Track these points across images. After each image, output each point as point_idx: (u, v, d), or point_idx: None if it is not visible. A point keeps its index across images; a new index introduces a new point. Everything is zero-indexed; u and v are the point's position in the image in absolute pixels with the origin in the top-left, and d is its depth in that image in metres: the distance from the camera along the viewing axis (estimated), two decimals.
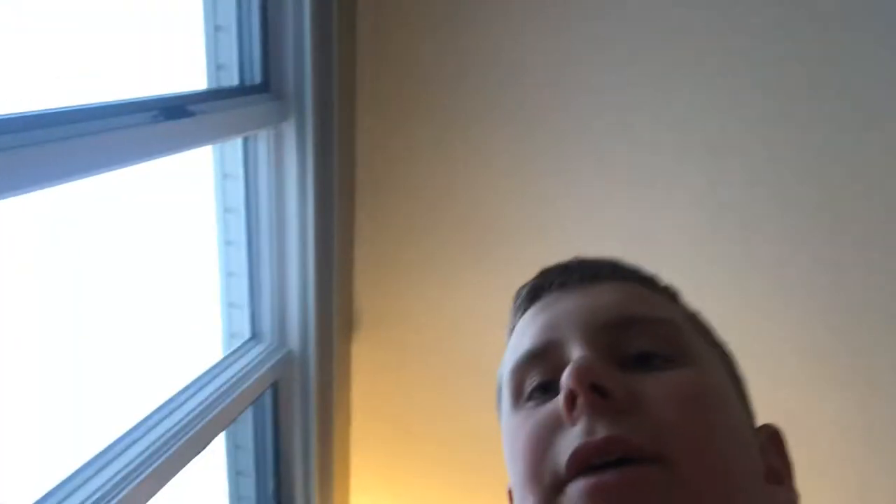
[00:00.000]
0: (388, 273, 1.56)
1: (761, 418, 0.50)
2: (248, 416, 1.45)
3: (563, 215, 1.43)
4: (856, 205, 1.28)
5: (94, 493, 0.90)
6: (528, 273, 1.58)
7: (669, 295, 0.52)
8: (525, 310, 0.52)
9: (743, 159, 1.31)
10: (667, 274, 0.53)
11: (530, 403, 0.46)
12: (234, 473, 1.52)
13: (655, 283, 0.53)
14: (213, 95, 1.17)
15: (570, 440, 0.41)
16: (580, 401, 0.41)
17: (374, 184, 1.50)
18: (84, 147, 0.84)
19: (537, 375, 0.46)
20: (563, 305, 0.49)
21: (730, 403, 0.45)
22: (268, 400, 1.45)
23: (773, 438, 0.49)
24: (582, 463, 0.40)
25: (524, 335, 0.49)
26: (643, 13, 1.29)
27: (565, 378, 0.42)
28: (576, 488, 0.39)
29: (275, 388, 1.44)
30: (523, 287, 0.54)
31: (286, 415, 1.48)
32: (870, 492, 1.39)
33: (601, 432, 0.40)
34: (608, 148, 1.37)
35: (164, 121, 0.98)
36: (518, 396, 0.47)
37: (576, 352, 0.44)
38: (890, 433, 1.35)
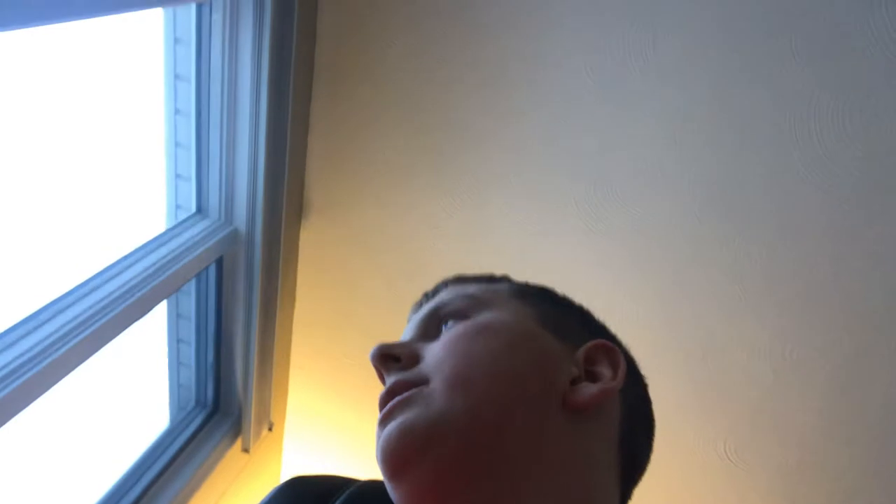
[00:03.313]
0: (341, 164, 1.55)
1: None
2: (192, 287, 1.47)
3: (523, 132, 1.42)
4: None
5: (32, 348, 0.92)
6: (480, 180, 1.59)
7: (491, 280, 0.63)
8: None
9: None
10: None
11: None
12: (176, 341, 1.55)
13: (480, 277, 0.64)
14: None
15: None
16: (381, 372, 0.55)
17: (334, 72, 1.46)
18: None
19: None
20: (409, 323, 0.62)
21: (503, 330, 0.54)
22: (212, 274, 1.47)
23: (599, 348, 0.54)
24: (381, 407, 0.51)
25: None
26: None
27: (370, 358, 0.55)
28: (378, 421, 0.51)
29: (219, 263, 1.45)
30: None
31: (229, 290, 1.50)
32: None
33: (388, 383, 0.53)
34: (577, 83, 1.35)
35: None
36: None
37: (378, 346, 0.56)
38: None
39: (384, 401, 0.51)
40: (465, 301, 0.57)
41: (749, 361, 1.48)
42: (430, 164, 1.50)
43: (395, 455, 0.47)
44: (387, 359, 0.54)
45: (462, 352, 0.51)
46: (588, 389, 0.50)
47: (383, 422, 0.50)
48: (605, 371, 0.53)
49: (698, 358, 1.51)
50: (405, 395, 0.50)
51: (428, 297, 0.64)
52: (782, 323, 1.43)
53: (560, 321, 0.56)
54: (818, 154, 1.29)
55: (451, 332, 0.54)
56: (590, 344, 0.54)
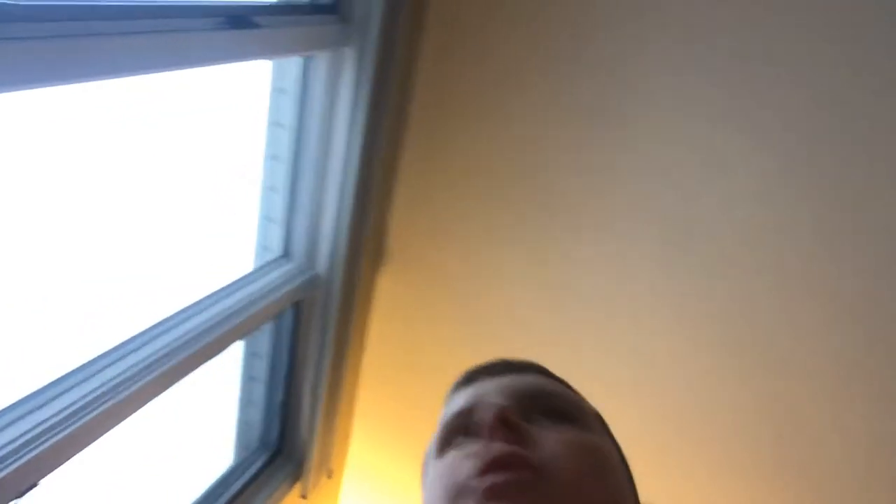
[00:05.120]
0: (425, 214, 1.55)
1: None
2: (269, 327, 1.49)
3: (608, 192, 1.39)
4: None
5: (111, 380, 0.94)
6: (561, 243, 1.57)
7: (574, 391, 0.63)
8: (456, 392, 0.63)
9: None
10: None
11: (453, 449, 0.55)
12: (248, 379, 1.57)
13: (563, 381, 0.63)
14: (280, 10, 1.15)
15: (483, 455, 0.50)
16: (493, 429, 0.51)
17: (427, 125, 1.48)
18: (145, 44, 0.83)
19: (462, 427, 0.56)
20: (491, 384, 0.60)
21: (614, 467, 0.54)
22: (289, 316, 1.48)
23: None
24: (483, 470, 0.48)
25: (455, 403, 0.60)
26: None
27: (485, 412, 0.53)
28: (478, 483, 0.48)
29: (297, 307, 1.46)
30: (456, 381, 0.65)
31: (305, 333, 1.51)
32: None
33: (500, 448, 0.50)
34: (669, 133, 1.32)
35: (228, 29, 0.97)
36: (445, 446, 0.56)
37: (495, 403, 0.54)
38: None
39: (497, 465, 0.48)
40: (571, 405, 0.58)
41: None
42: (518, 223, 1.48)
43: None
44: (508, 424, 0.51)
45: (584, 464, 0.51)
46: None
47: (494, 494, 0.47)
48: None
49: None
50: (526, 477, 0.48)
51: (511, 368, 0.62)
52: None
53: (626, 465, 0.59)
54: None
55: (570, 435, 0.53)
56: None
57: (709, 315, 1.40)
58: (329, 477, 1.78)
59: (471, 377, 0.63)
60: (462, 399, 0.59)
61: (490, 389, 0.58)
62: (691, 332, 1.42)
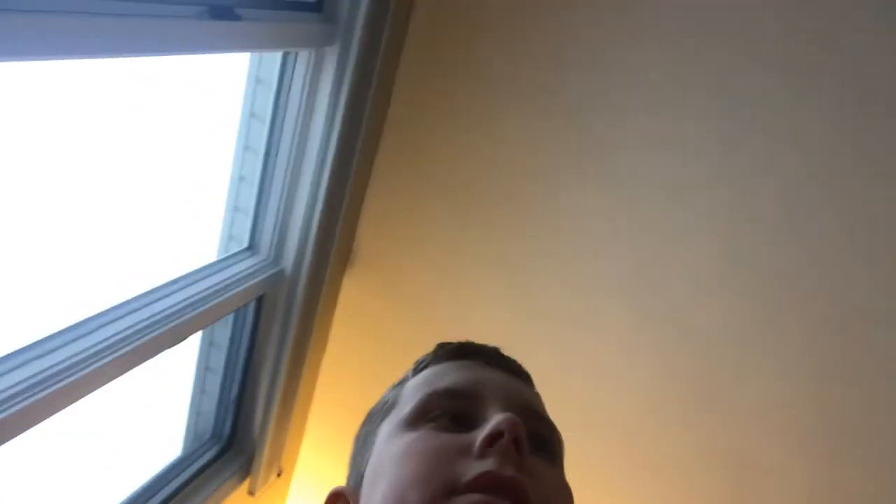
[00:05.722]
0: (396, 220, 1.56)
1: None
2: (229, 318, 1.48)
3: (573, 207, 1.42)
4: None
5: (65, 360, 0.93)
6: (533, 261, 1.57)
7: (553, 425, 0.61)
8: (448, 360, 0.59)
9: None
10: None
11: (433, 425, 0.52)
12: (204, 368, 1.56)
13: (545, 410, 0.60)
14: (264, 3, 1.15)
15: (478, 466, 0.47)
16: (503, 442, 0.48)
17: (403, 131, 1.49)
18: (125, 27, 0.83)
19: (451, 408, 0.53)
20: (489, 375, 0.57)
21: None
22: (251, 310, 1.48)
23: None
24: (485, 484, 0.46)
25: (447, 375, 0.56)
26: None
27: (500, 420, 0.49)
28: (470, 498, 0.45)
29: (260, 301, 1.46)
30: (446, 343, 0.62)
31: (265, 328, 1.50)
32: None
33: (509, 472, 0.47)
34: (633, 148, 1.36)
35: (210, 19, 0.97)
36: (422, 416, 0.53)
37: (500, 412, 0.50)
38: None
39: (500, 486, 0.46)
40: (555, 436, 0.56)
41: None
42: (484, 235, 1.50)
43: None
44: (520, 449, 0.48)
45: None
46: None
47: None
48: None
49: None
50: None
51: (507, 364, 0.60)
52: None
53: None
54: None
55: (557, 479, 0.52)
56: None
57: (673, 345, 1.43)
58: (279, 475, 1.76)
59: (464, 352, 0.60)
60: (457, 376, 0.56)
61: (492, 384, 0.55)
62: (658, 359, 1.45)
